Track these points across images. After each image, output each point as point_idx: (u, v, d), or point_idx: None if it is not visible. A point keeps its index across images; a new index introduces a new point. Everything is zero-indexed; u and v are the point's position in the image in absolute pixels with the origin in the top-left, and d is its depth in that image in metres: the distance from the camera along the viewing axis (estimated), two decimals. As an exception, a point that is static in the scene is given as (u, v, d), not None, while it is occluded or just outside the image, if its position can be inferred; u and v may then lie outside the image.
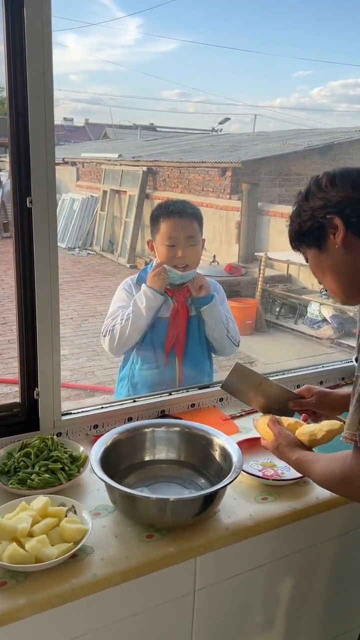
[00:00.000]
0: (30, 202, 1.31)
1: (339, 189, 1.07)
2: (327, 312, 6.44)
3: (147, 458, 1.39)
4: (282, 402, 1.40)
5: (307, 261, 1.18)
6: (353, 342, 6.03)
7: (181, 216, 1.79)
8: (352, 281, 1.12)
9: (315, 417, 1.43)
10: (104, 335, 1.87)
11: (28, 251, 1.37)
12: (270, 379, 1.51)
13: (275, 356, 5.71)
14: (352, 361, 2.13)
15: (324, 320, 6.47)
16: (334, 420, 1.30)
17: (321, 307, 6.51)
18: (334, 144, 9.17)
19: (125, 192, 10.56)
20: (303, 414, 1.43)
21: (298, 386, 1.93)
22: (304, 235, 1.13)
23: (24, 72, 1.25)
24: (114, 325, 1.83)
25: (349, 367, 2.07)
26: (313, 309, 6.59)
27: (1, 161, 14.53)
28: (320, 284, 1.20)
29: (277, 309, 7.03)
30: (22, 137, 1.29)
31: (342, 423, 1.25)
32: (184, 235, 1.79)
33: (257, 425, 1.43)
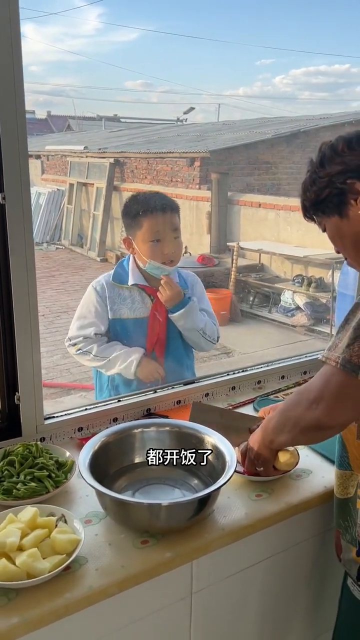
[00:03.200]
0: (3, 198, 1.24)
1: (357, 152, 1.02)
2: (300, 300, 6.49)
3: (137, 460, 1.34)
4: (246, 429, 1.38)
5: (324, 231, 1.12)
6: (327, 329, 6.09)
7: (164, 210, 1.74)
8: None
9: None
10: (73, 346, 1.82)
11: (2, 248, 1.30)
12: (229, 408, 1.57)
13: (252, 345, 5.73)
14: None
15: (298, 308, 6.53)
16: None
17: (294, 295, 6.56)
18: (301, 131, 9.21)
19: (93, 184, 10.40)
20: None
21: (282, 377, 1.95)
22: (322, 203, 1.07)
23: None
24: (86, 350, 1.81)
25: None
26: (286, 297, 6.63)
27: None
28: (338, 253, 1.15)
29: (251, 299, 7.06)
30: (-9, 130, 1.21)
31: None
32: (169, 230, 1.74)
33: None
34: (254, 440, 1.25)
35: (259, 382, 1.88)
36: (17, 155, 1.23)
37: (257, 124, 11.97)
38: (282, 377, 1.94)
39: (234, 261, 7.01)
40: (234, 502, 1.26)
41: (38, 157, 13.21)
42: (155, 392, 1.69)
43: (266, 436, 1.21)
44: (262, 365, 1.93)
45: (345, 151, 1.03)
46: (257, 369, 1.90)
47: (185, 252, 7.92)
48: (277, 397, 1.80)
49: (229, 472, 1.18)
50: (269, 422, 1.20)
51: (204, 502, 1.16)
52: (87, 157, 11.03)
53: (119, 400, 1.61)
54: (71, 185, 10.97)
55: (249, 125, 11.93)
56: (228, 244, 7.80)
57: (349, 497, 1.19)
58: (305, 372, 1.98)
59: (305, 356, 2.03)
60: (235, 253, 7.01)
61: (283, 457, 1.28)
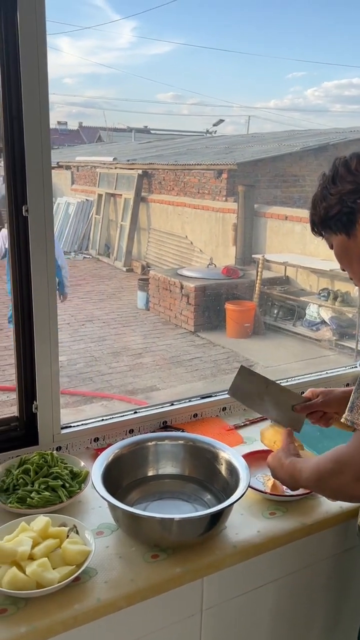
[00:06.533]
0: (27, 210, 1.27)
1: None
2: (326, 314, 6.41)
3: (150, 473, 1.34)
4: (289, 406, 1.35)
5: (331, 247, 1.11)
6: (352, 344, 6.00)
7: None
8: None
9: (325, 419, 1.38)
10: None
11: (25, 259, 1.33)
12: (277, 382, 1.45)
13: (275, 359, 5.68)
14: (356, 367, 2.10)
15: (323, 322, 6.44)
16: None
17: (320, 309, 6.49)
18: (330, 144, 9.16)
19: (121, 195, 10.52)
20: (312, 420, 1.39)
21: (303, 393, 1.92)
22: (330, 220, 1.05)
23: (18, 76, 1.21)
24: None
25: (354, 373, 2.03)
26: (311, 311, 6.56)
27: (-4, 166, 14.46)
28: (343, 271, 1.14)
29: (275, 312, 7.00)
30: (17, 143, 1.25)
31: None
32: None
33: (264, 436, 1.39)
34: (280, 474, 1.21)
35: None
36: (40, 170, 1.26)
37: (286, 136, 11.95)
38: (303, 392, 1.91)
39: (259, 273, 6.98)
40: (247, 519, 1.25)
41: (68, 167, 13.43)
42: (172, 404, 1.68)
43: (294, 482, 1.17)
44: (282, 380, 1.91)
45: (359, 170, 1.02)
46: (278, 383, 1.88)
47: (210, 264, 7.93)
48: (295, 413, 1.78)
49: (242, 488, 1.17)
50: (300, 473, 1.13)
51: (217, 518, 1.15)
52: (116, 168, 11.17)
53: (135, 412, 1.62)
54: (100, 195, 11.11)
55: (277, 137, 11.92)
56: (253, 256, 7.77)
57: None
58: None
59: (327, 372, 2.01)
60: (260, 265, 6.98)
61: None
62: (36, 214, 1.28)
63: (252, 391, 1.38)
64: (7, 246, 5.34)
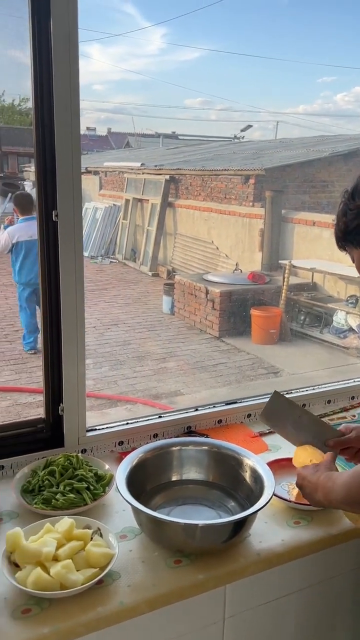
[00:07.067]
0: (57, 215, 1.29)
1: None
2: (354, 321, 6.31)
3: (174, 478, 1.34)
4: (322, 439, 1.30)
5: (353, 261, 1.12)
6: (380, 352, 5.89)
7: None
8: None
9: (358, 456, 1.33)
10: None
11: (54, 263, 1.35)
12: (311, 412, 1.40)
13: (301, 366, 5.62)
14: (384, 375, 2.06)
15: (351, 329, 6.35)
16: None
17: (347, 316, 6.40)
18: None
19: (148, 200, 10.59)
20: (346, 456, 1.34)
21: (329, 401, 1.90)
22: (350, 234, 1.07)
23: (50, 84, 1.23)
24: None
25: (382, 382, 2.00)
26: (339, 318, 6.47)
27: (25, 171, 14.73)
28: None
29: (302, 318, 6.93)
30: (48, 149, 1.27)
31: None
32: None
33: (298, 456, 1.33)
34: (307, 491, 1.18)
35: (304, 405, 1.84)
36: (70, 176, 1.28)
37: (315, 141, 11.86)
38: (328, 401, 1.90)
39: (286, 279, 6.92)
40: (270, 528, 1.24)
41: (96, 173, 13.59)
42: (197, 410, 1.68)
43: (326, 502, 1.14)
44: (308, 388, 1.89)
45: None
46: (303, 391, 1.87)
47: (236, 269, 7.90)
48: (321, 421, 1.76)
49: (267, 496, 1.16)
50: (330, 492, 1.10)
51: (240, 525, 1.14)
52: (143, 173, 11.25)
53: (160, 416, 1.62)
54: (127, 201, 11.20)
55: (306, 143, 11.83)
56: (280, 261, 7.72)
57: None
58: (353, 397, 1.93)
59: (354, 380, 1.98)
60: (287, 271, 6.93)
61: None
62: (66, 219, 1.30)
63: (284, 419, 1.34)
64: (14, 241, 5.52)
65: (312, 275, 7.29)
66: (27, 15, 1.22)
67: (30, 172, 13.40)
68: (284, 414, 1.35)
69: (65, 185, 1.28)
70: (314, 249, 7.62)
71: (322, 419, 1.75)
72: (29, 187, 12.39)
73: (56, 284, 1.35)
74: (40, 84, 1.24)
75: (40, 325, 1.45)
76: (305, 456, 1.29)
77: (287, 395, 1.80)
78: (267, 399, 1.75)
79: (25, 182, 13.29)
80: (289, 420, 1.34)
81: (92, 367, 5.28)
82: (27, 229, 5.31)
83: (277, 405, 1.36)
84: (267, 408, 1.38)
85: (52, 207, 1.29)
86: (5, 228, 5.61)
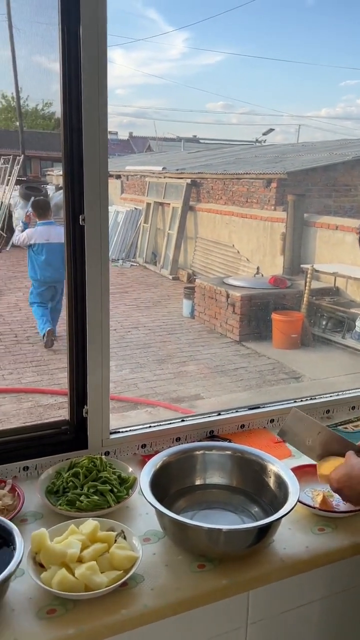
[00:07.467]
0: (83, 219, 1.31)
1: None
2: (376, 327, 6.23)
3: (197, 482, 1.34)
4: (341, 455, 1.29)
5: None
6: None
7: None
8: None
9: None
10: None
11: (80, 266, 1.36)
12: (330, 429, 1.39)
13: (322, 371, 5.56)
14: None
15: (373, 334, 6.27)
16: None
17: (370, 321, 6.32)
18: (383, 153, 8.94)
19: (169, 204, 10.62)
20: None
21: (353, 408, 1.88)
22: None
23: (79, 89, 1.24)
24: None
25: None
26: (361, 323, 6.39)
27: (48, 175, 14.90)
28: None
29: (324, 323, 6.86)
30: (75, 154, 1.28)
31: None
32: None
33: (323, 468, 1.32)
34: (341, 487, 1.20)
35: (328, 411, 1.82)
36: (97, 181, 1.29)
37: (338, 145, 11.76)
38: (353, 407, 1.87)
39: (308, 284, 6.86)
40: (295, 534, 1.23)
41: (118, 177, 13.68)
42: (220, 414, 1.68)
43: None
44: (332, 394, 1.87)
45: None
46: (327, 397, 1.85)
47: (257, 273, 7.87)
48: (346, 428, 1.74)
49: (291, 502, 1.15)
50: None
51: (265, 531, 1.14)
52: (165, 177, 11.29)
53: (182, 420, 1.62)
54: (148, 204, 11.25)
55: (329, 146, 11.74)
56: (302, 266, 7.66)
57: None
58: (377, 404, 1.90)
59: (378, 387, 1.95)
60: (309, 275, 6.87)
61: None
62: (92, 223, 1.31)
63: (303, 436, 1.34)
64: (31, 242, 5.88)
65: (335, 280, 7.22)
66: (53, 21, 1.24)
67: (52, 176, 13.56)
68: (302, 431, 1.35)
69: (92, 189, 1.29)
70: (337, 253, 7.55)
71: (346, 427, 1.73)
72: (52, 190, 12.55)
73: (82, 287, 1.37)
74: (69, 89, 1.25)
75: (66, 328, 1.47)
76: (329, 466, 1.28)
77: (310, 401, 1.80)
78: (290, 405, 1.75)
79: (47, 186, 13.45)
80: (307, 437, 1.34)
81: (113, 370, 5.30)
82: (44, 233, 5.78)
83: (295, 423, 1.37)
84: (285, 424, 1.39)
85: (79, 211, 1.31)
86: (24, 225, 5.92)
